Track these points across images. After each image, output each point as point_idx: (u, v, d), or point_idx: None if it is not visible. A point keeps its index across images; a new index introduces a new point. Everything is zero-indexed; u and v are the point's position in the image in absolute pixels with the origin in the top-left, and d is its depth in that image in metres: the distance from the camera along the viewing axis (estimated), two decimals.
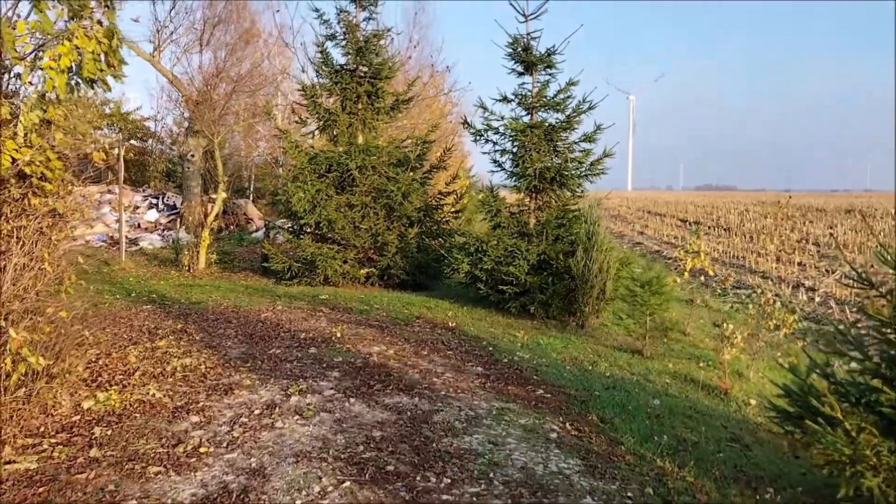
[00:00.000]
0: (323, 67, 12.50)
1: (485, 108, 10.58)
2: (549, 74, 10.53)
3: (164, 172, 28.81)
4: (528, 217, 10.52)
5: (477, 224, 15.01)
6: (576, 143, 10.38)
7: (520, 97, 10.51)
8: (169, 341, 7.29)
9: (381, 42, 12.64)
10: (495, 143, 10.78)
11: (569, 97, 10.39)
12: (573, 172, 10.25)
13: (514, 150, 10.53)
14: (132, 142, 28.23)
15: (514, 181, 10.53)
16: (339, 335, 7.83)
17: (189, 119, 21.85)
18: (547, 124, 10.39)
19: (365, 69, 12.58)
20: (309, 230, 12.24)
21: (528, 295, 9.83)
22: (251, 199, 25.95)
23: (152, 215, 22.44)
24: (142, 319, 8.64)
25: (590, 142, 10.36)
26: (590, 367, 7.29)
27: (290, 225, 12.76)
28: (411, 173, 12.32)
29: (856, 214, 28.88)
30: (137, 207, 23.20)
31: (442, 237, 12.47)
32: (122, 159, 15.22)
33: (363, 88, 12.45)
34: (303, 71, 18.37)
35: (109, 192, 23.82)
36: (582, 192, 10.51)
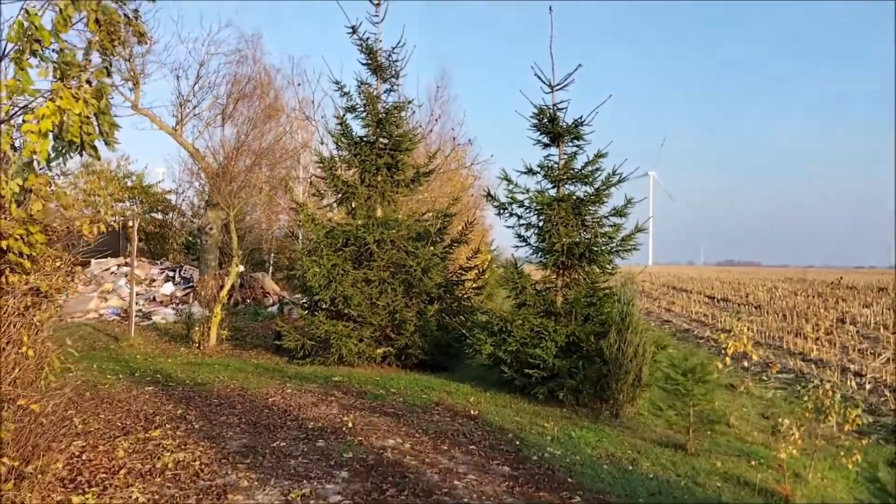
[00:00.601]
0: (342, 139, 12.21)
1: (509, 181, 10.12)
2: (577, 146, 10.10)
3: (183, 245, 28.65)
4: (555, 295, 9.88)
5: (499, 300, 14.35)
6: (605, 217, 9.83)
7: (546, 169, 10.05)
8: (164, 430, 6.63)
9: (402, 114, 12.37)
10: (520, 217, 10.27)
11: (597, 169, 9.91)
12: (603, 248, 9.66)
13: (540, 224, 10.00)
14: (153, 214, 28.25)
15: (540, 257, 9.96)
16: (350, 425, 7.13)
17: (208, 192, 21.75)
18: (575, 197, 9.88)
19: (385, 141, 12.26)
20: (324, 306, 11.67)
21: (556, 380, 9.10)
22: (269, 272, 25.60)
23: (168, 288, 22.06)
24: (141, 403, 8.02)
25: (620, 216, 9.81)
26: (630, 467, 6.50)
27: (304, 300, 12.22)
28: (431, 248, 11.81)
29: (889, 293, 27.85)
30: (154, 280, 22.87)
31: (463, 315, 11.84)
32: (135, 232, 14.88)
33: (383, 160, 12.10)
34: (322, 143, 18.20)
35: (126, 264, 23.59)
36: (613, 268, 9.89)
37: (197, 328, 13.19)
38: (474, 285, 12.44)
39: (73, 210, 19.84)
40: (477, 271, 12.48)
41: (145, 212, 27.96)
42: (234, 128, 22.66)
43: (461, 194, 18.40)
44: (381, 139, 12.28)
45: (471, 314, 11.56)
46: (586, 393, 8.96)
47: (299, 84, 21.77)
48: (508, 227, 10.40)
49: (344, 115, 12.33)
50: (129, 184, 27.13)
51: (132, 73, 20.01)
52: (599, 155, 9.89)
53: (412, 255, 11.52)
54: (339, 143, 12.29)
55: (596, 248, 9.62)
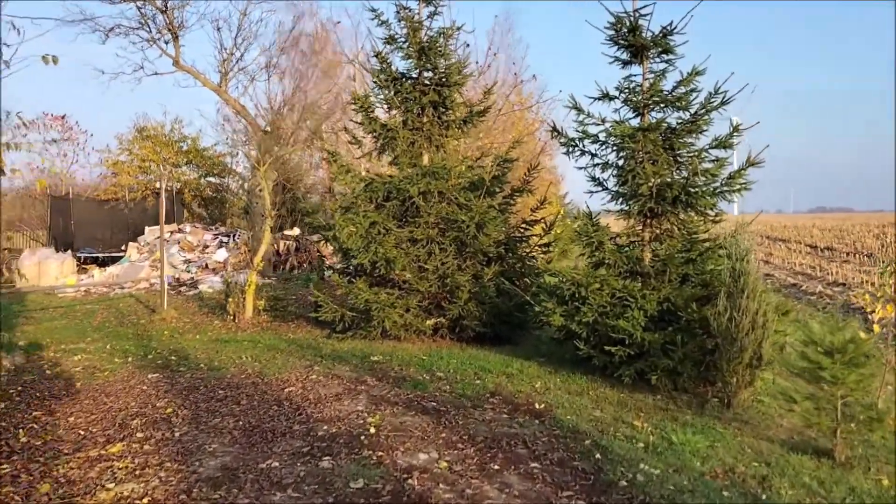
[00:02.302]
0: (380, 76, 10.33)
1: (579, 110, 8.05)
2: (666, 61, 7.91)
3: (242, 209, 27.62)
4: (641, 251, 7.84)
5: (572, 260, 12.28)
6: (705, 149, 7.67)
7: (626, 93, 7.93)
8: (130, 444, 5.08)
9: (450, 42, 10.37)
10: (594, 156, 8.21)
11: (693, 90, 7.73)
12: (703, 189, 7.53)
13: (621, 162, 7.94)
14: (209, 178, 27.28)
15: (621, 203, 7.92)
16: (373, 430, 5.42)
17: (258, 151, 20.39)
18: (665, 126, 7.74)
19: (430, 75, 10.32)
20: (364, 272, 9.98)
21: (646, 359, 7.13)
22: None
23: (221, 255, 20.96)
24: (130, 398, 6.57)
25: (725, 147, 7.63)
26: (762, 494, 4.53)
27: (341, 265, 10.57)
28: (488, 199, 9.88)
29: None
30: (207, 247, 21.83)
31: (528, 277, 9.94)
32: (163, 196, 13.55)
33: (428, 98, 10.18)
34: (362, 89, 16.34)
35: (179, 230, 22.65)
36: (716, 215, 7.75)
37: (231, 299, 11.78)
38: (541, 241, 10.47)
39: (127, 177, 18.77)
40: (544, 225, 10.48)
41: (201, 176, 27.03)
42: (281, 82, 21.20)
43: (526, 138, 16.25)
44: (425, 73, 10.34)
45: (537, 277, 9.63)
46: (686, 375, 6.97)
47: (338, 22, 19.83)
48: (580, 168, 8.41)
49: (382, 48, 10.44)
50: (184, 148, 26.11)
51: (169, 26, 18.71)
52: (696, 72, 7.68)
53: (464, 209, 9.64)
54: (378, 81, 10.42)
55: (694, 190, 7.49)
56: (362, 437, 5.24)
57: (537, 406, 6.30)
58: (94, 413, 5.99)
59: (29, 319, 12.62)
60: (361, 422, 5.66)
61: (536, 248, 10.42)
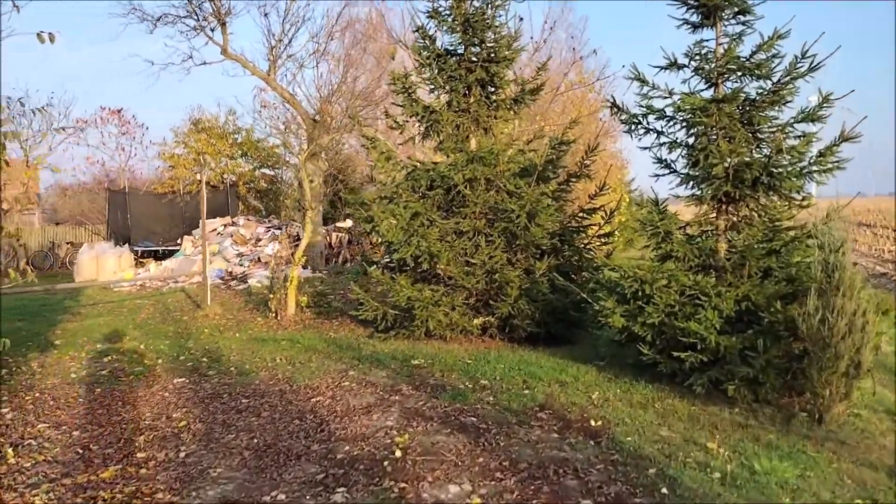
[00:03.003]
0: (421, 52, 9.56)
1: (642, 81, 7.10)
2: (743, 23, 6.88)
3: (297, 201, 27.38)
4: (716, 242, 6.87)
5: (638, 250, 11.22)
6: (790, 123, 6.63)
7: (697, 60, 6.94)
8: (125, 468, 4.49)
9: (499, 14, 9.49)
10: (660, 133, 7.25)
11: (775, 56, 6.69)
12: (788, 169, 6.49)
13: (691, 139, 6.97)
14: (264, 170, 27.08)
15: (692, 188, 6.95)
16: (399, 453, 4.69)
17: (307, 140, 19.93)
18: (742, 98, 6.73)
19: (476, 50, 9.49)
20: (406, 267, 9.27)
21: (721, 366, 6.18)
22: None
23: (272, 248, 20.63)
24: (147, 407, 6.05)
25: (813, 121, 6.57)
26: None
27: (382, 259, 9.87)
28: (541, 186, 9.00)
29: None
30: (259, 240, 21.57)
31: (586, 270, 9.04)
32: (203, 188, 13.16)
33: (475, 76, 9.35)
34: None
35: (233, 223, 22.47)
36: (803, 198, 6.71)
37: (272, 295, 11.27)
38: (599, 232, 9.53)
39: (183, 169, 18.54)
40: (604, 213, 9.52)
41: (256, 167, 26.85)
42: (330, 69, 20.67)
43: (585, 119, 15.17)
44: (471, 48, 9.50)
45: (596, 271, 8.73)
46: (769, 385, 6.00)
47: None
48: (643, 148, 7.45)
49: (425, 23, 9.66)
50: (238, 139, 25.95)
51: (217, 13, 18.37)
52: (778, 35, 6.64)
53: (514, 197, 8.80)
54: (420, 59, 9.65)
55: (777, 170, 6.47)
56: (386, 463, 4.52)
57: (593, 423, 5.45)
58: (102, 426, 5.45)
59: (75, 316, 12.43)
60: (388, 441, 4.94)
61: (595, 238, 9.49)
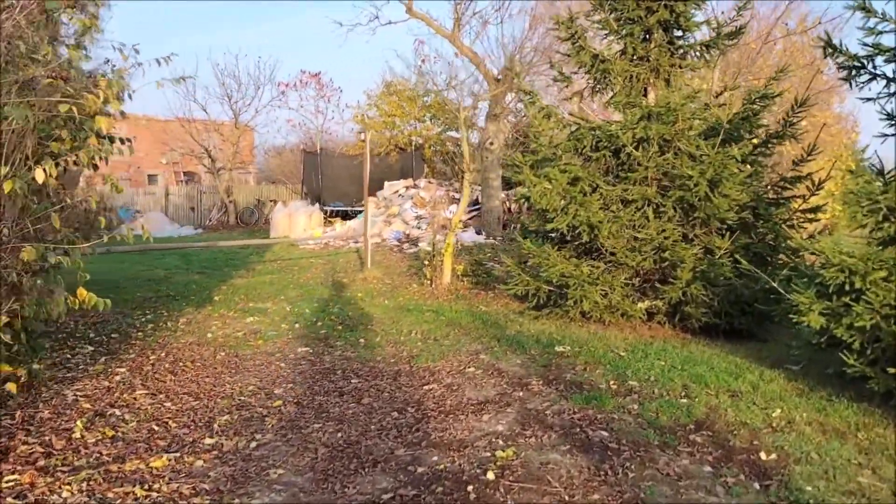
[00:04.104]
0: None
1: (868, 10, 5.39)
2: None
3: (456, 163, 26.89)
4: None
5: (845, 231, 9.12)
6: None
7: None
8: (182, 457, 4.02)
9: None
10: (890, 80, 5.51)
11: None
12: None
13: None
14: (450, 133, 26.82)
15: None
16: (493, 474, 3.78)
17: (490, 101, 19.16)
18: None
19: None
20: (563, 239, 8.19)
21: None
22: None
23: (451, 212, 20.28)
24: (254, 379, 5.69)
25: None
26: None
27: (532, 228, 8.83)
28: (732, 147, 7.43)
29: None
30: (440, 203, 21.32)
31: (784, 253, 7.40)
32: (367, 148, 12.87)
33: (655, 17, 7.92)
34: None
35: (415, 186, 22.46)
36: None
37: (427, 262, 10.72)
38: (803, 206, 7.75)
39: (374, 132, 18.79)
40: (811, 184, 7.70)
41: (444, 130, 26.66)
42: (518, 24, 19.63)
43: (798, 69, 12.74)
44: None
45: (795, 255, 7.08)
46: None
47: None
48: (865, 99, 5.72)
49: None
50: (428, 102, 25.87)
51: None
52: None
53: (695, 162, 7.35)
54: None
55: None
56: (471, 487, 3.64)
57: (764, 455, 4.15)
58: (198, 398, 5.12)
59: (249, 272, 12.82)
60: (488, 455, 4.05)
61: (798, 215, 7.74)
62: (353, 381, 5.62)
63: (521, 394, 5.23)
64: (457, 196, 21.12)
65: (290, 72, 56.22)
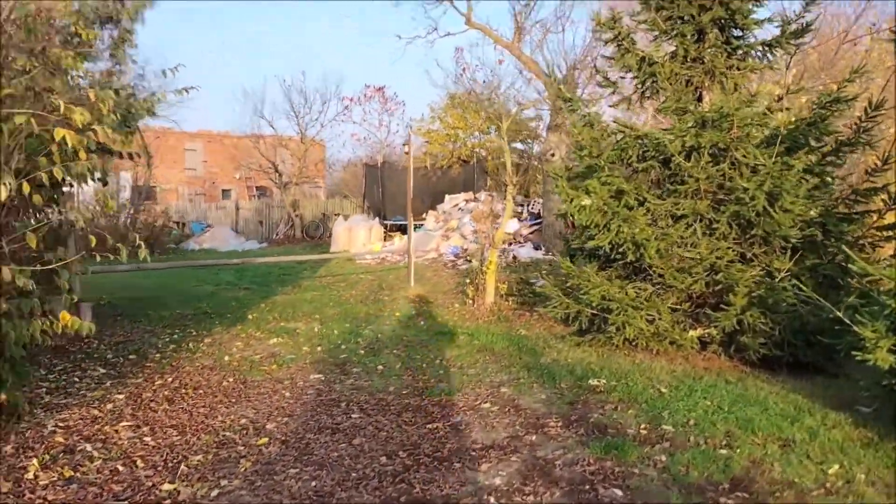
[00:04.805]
0: None
1: None
2: None
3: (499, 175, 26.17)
4: None
5: None
6: None
7: None
8: None
9: None
10: None
11: None
12: None
13: None
14: (515, 145, 26.21)
15: None
16: None
17: (551, 111, 18.50)
18: None
19: None
20: (606, 257, 7.51)
21: None
22: None
23: (511, 226, 19.62)
24: (249, 410, 5.31)
25: None
26: None
27: (575, 246, 8.17)
28: (798, 156, 6.59)
29: None
30: (499, 217, 20.72)
31: (853, 276, 6.48)
32: (410, 164, 12.52)
33: (710, 15, 7.18)
34: None
35: (475, 199, 21.94)
36: None
37: (469, 281, 10.19)
38: (878, 222, 6.80)
39: (437, 145, 18.60)
40: (886, 197, 6.74)
41: (509, 142, 26.05)
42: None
43: (883, 73, 11.54)
44: None
45: (864, 279, 6.18)
46: None
47: None
48: None
49: None
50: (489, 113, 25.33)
51: None
52: None
53: (751, 173, 6.55)
54: None
55: None
56: None
57: None
58: (180, 433, 4.72)
59: (295, 288, 12.62)
60: None
61: (873, 233, 6.80)
62: (353, 415, 5.13)
63: (533, 437, 4.62)
64: (518, 209, 20.50)
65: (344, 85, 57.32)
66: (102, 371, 6.44)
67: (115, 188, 19.50)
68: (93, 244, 4.85)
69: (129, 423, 4.84)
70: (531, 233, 19.52)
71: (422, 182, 24.20)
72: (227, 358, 7.04)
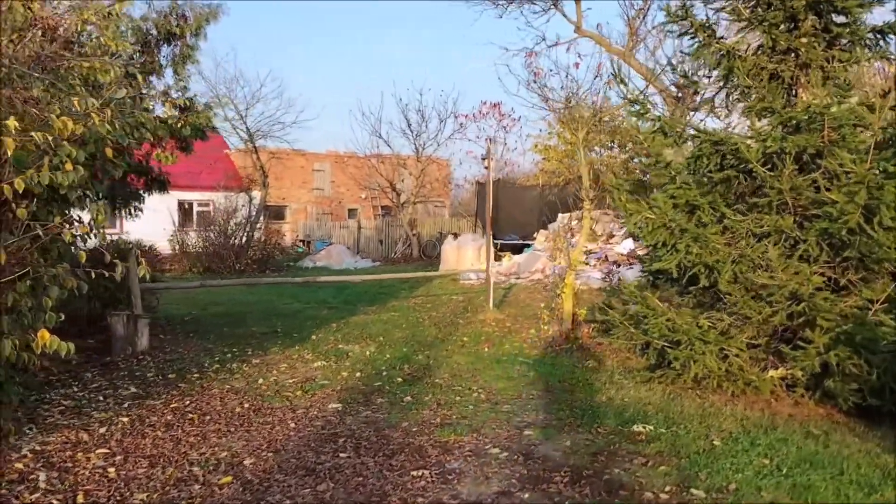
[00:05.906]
0: None
1: None
2: None
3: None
4: None
5: None
6: None
7: None
8: None
9: None
10: None
11: None
12: None
13: None
14: (640, 159, 24.80)
15: None
16: None
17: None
18: None
19: None
20: (675, 280, 6.55)
21: None
22: None
23: (626, 246, 18.42)
24: (245, 442, 4.92)
25: None
26: None
27: (646, 269, 7.22)
28: (889, 162, 5.37)
29: None
30: (612, 236, 19.56)
31: None
32: (490, 178, 11.90)
33: (804, 1, 6.10)
34: None
35: (605, 215, 20.84)
36: None
37: (544, 306, 9.39)
38: None
39: (554, 161, 17.98)
40: None
41: (630, 157, 24.72)
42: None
43: None
44: None
45: None
46: None
47: None
48: None
49: None
50: (610, 126, 24.18)
51: None
52: None
53: (840, 185, 5.41)
54: None
55: None
56: None
57: None
58: (151, 465, 4.41)
59: (380, 308, 12.36)
60: None
61: None
62: (341, 455, 4.61)
63: (526, 496, 3.88)
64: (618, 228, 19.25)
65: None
66: (133, 390, 6.35)
67: (233, 206, 20.27)
68: (82, 259, 4.67)
69: (106, 451, 4.60)
70: (646, 254, 18.23)
71: (536, 200, 23.46)
72: (261, 381, 6.76)
